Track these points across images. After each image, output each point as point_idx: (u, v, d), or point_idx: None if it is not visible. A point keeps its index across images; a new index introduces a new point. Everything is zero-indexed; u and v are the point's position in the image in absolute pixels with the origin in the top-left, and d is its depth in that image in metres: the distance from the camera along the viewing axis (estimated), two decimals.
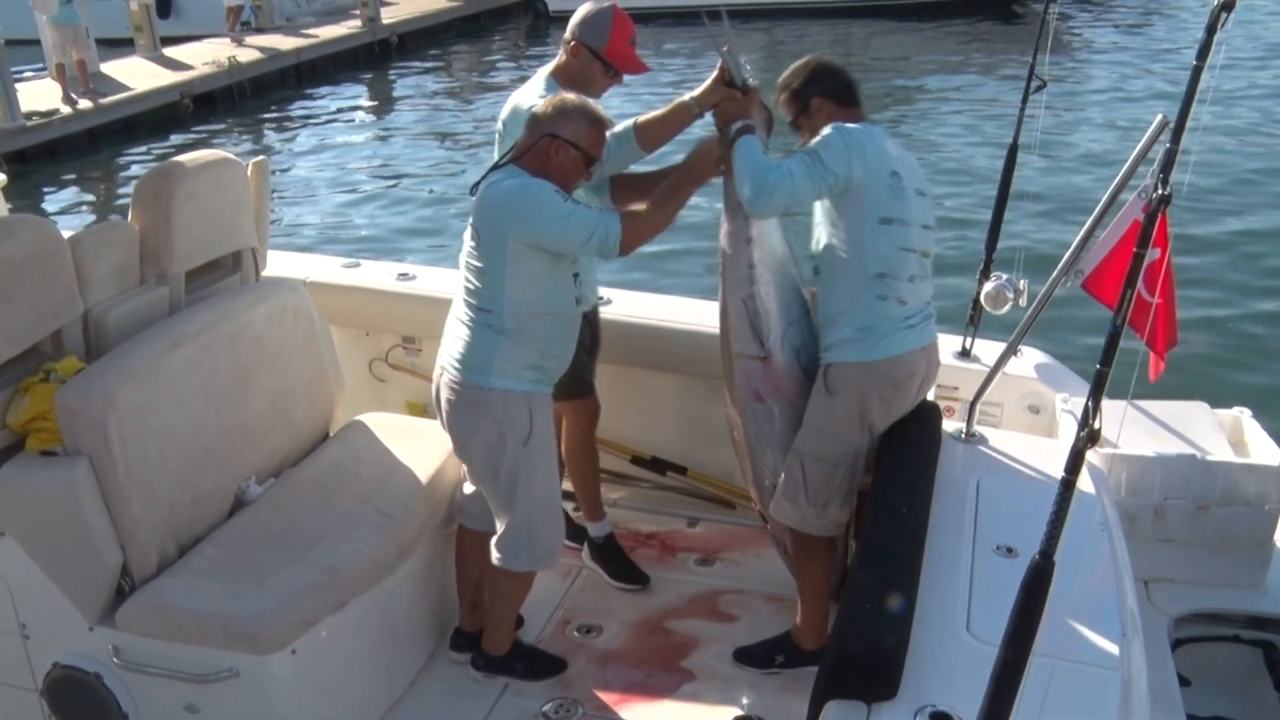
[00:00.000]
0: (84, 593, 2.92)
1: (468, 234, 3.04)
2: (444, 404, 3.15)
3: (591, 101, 3.08)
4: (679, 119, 3.26)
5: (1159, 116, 2.85)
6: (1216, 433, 3.48)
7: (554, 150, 2.97)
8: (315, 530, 3.16)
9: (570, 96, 3.07)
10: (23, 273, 2.90)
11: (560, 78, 3.44)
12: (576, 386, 3.56)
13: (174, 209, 3.28)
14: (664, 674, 3.44)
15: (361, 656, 3.17)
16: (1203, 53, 1.34)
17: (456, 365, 3.09)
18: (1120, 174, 2.95)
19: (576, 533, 3.93)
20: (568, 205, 2.91)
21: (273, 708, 2.92)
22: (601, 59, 3.42)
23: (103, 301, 3.20)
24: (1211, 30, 1.33)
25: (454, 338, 3.11)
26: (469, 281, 3.04)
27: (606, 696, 3.37)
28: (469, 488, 3.40)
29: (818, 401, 3.12)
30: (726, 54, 3.09)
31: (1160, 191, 1.33)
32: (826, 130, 2.97)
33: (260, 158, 3.74)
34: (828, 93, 3.09)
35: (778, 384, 3.19)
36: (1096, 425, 1.41)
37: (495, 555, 3.26)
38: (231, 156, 3.58)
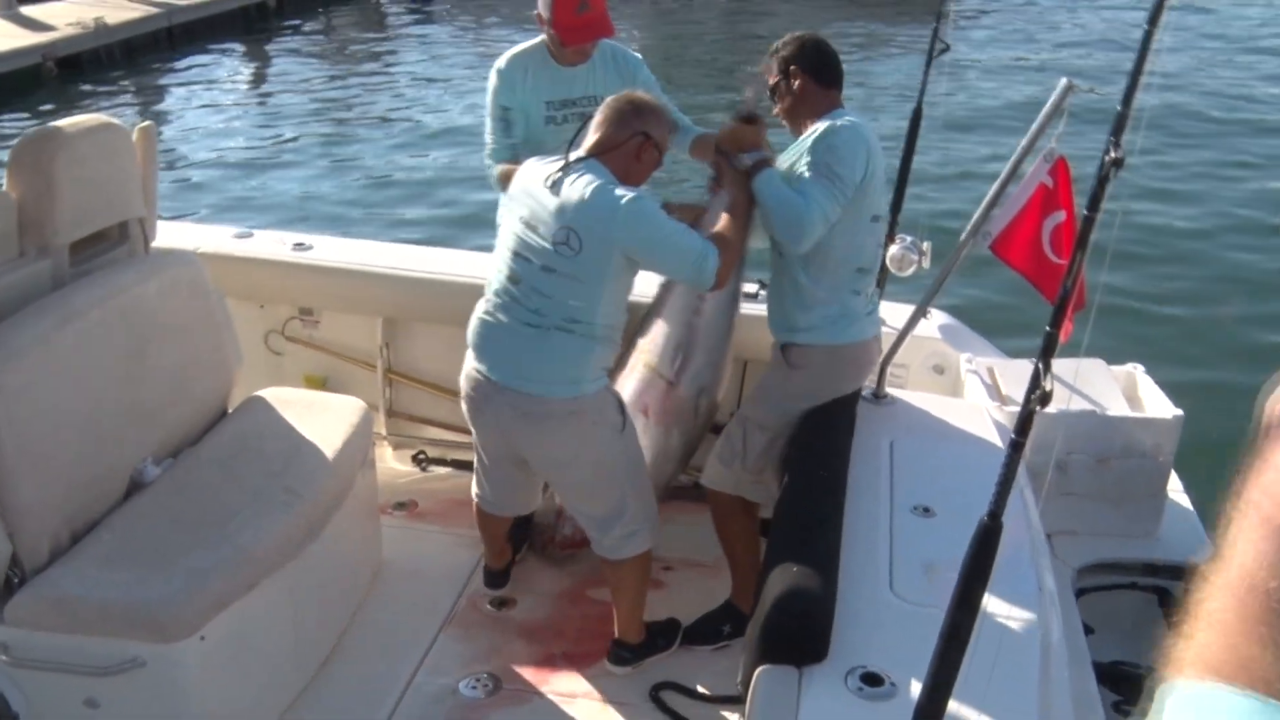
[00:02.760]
0: None
1: (533, 236, 2.88)
2: (525, 424, 3.01)
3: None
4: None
5: (1063, 81, 2.91)
6: (1113, 388, 3.61)
7: (643, 150, 2.90)
8: (220, 510, 3.03)
9: (648, 95, 3.05)
10: None
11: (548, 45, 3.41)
12: None
13: (56, 176, 3.08)
14: (587, 643, 3.42)
15: (273, 639, 3.06)
16: (1154, 17, 1.36)
17: (540, 384, 2.94)
18: (1026, 137, 3.01)
19: None
20: (673, 224, 2.83)
21: (180, 696, 2.80)
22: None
23: None
24: None
25: (528, 355, 2.93)
26: (548, 292, 2.87)
27: (526, 670, 3.33)
28: (482, 477, 3.38)
29: (775, 375, 3.20)
30: (750, 87, 3.09)
31: (1113, 154, 1.34)
32: (825, 133, 2.94)
33: (147, 123, 3.54)
34: (807, 68, 3.06)
35: (668, 410, 3.29)
36: (1048, 387, 1.43)
37: (613, 551, 3.17)
38: (116, 122, 3.37)
